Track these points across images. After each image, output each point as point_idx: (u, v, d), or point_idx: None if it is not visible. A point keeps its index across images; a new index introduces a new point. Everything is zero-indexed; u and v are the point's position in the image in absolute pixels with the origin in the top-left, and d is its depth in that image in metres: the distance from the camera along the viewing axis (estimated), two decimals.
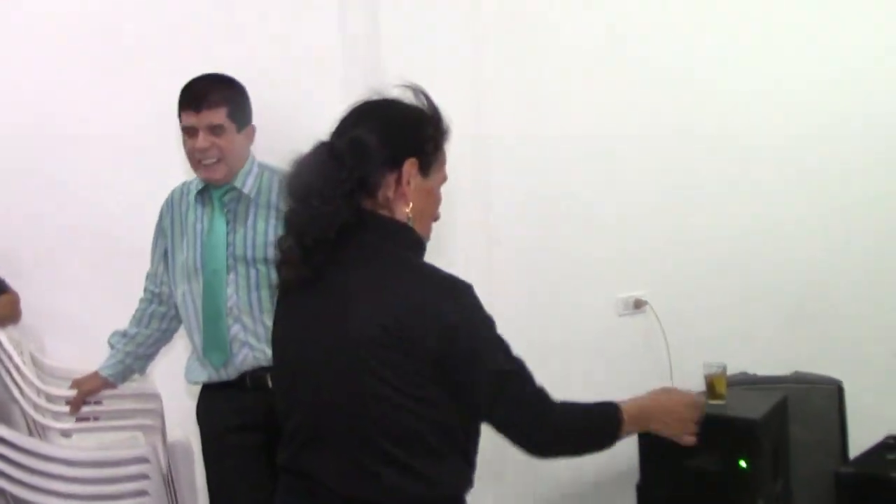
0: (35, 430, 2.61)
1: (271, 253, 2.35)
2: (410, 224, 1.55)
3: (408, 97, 1.60)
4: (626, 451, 3.29)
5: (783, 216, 3.74)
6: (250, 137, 2.48)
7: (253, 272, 2.42)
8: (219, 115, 2.37)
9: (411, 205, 1.54)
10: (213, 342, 2.44)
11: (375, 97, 1.60)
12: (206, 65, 2.51)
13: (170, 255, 2.55)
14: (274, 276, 2.35)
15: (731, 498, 2.82)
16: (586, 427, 1.64)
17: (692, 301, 3.63)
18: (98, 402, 2.65)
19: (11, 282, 2.87)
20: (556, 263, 3.46)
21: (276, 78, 3.00)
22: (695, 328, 3.61)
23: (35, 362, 2.81)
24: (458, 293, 1.49)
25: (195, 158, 2.41)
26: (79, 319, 2.95)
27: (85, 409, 2.62)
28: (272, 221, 2.43)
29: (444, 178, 1.63)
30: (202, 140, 2.36)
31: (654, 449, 2.99)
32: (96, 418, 2.71)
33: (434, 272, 1.53)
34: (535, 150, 3.40)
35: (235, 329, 2.42)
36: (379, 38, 3.05)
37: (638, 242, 3.55)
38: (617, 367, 3.53)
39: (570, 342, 3.47)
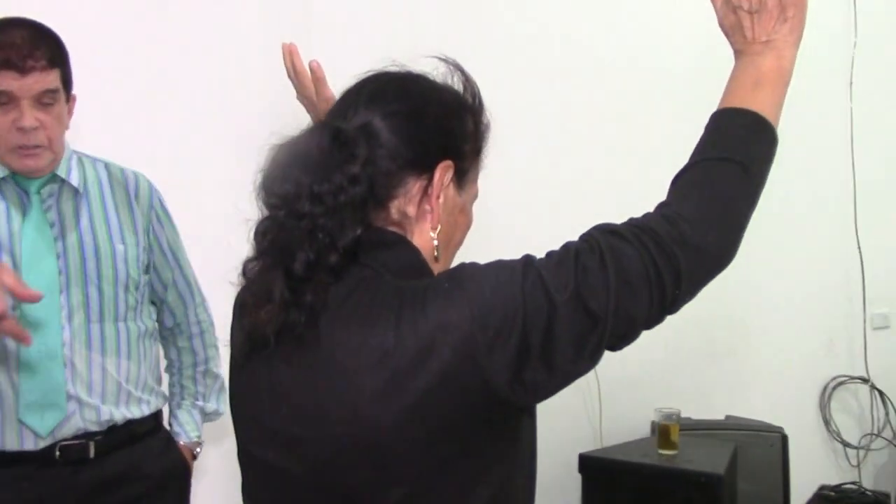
0: None
1: (124, 270, 1.81)
2: (437, 254, 1.05)
3: (438, 73, 1.11)
4: (569, 500, 3.00)
5: None
6: (72, 111, 1.82)
7: (95, 295, 1.80)
8: (51, 79, 1.70)
9: (439, 227, 1.06)
10: (39, 397, 1.75)
11: (393, 68, 1.10)
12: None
13: None
14: (124, 301, 1.82)
15: None
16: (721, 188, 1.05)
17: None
18: None
19: None
20: None
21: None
22: (625, 367, 3.36)
23: None
24: (455, 289, 0.96)
25: (10, 142, 1.70)
26: None
27: None
28: (115, 224, 1.86)
29: (476, 194, 1.14)
30: (28, 116, 1.68)
31: (602, 501, 2.70)
32: None
33: (427, 290, 0.98)
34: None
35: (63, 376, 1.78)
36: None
37: None
38: (545, 405, 3.21)
39: None
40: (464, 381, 0.92)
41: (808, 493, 3.33)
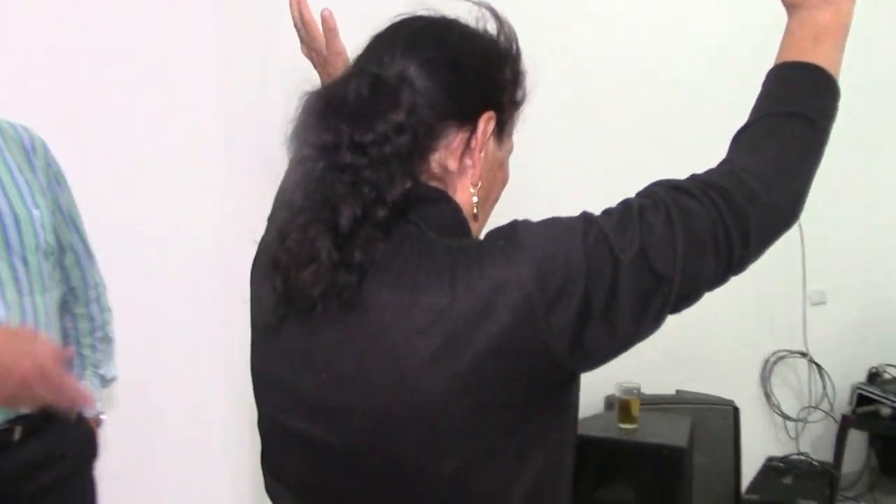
0: None
1: (42, 236, 1.65)
2: (476, 211, 0.99)
3: (471, 18, 1.04)
4: None
5: None
6: None
7: (21, 266, 1.63)
8: None
9: (480, 183, 0.99)
10: None
11: (424, 12, 1.03)
12: None
13: None
14: (46, 270, 1.66)
15: None
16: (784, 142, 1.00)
17: None
18: None
19: None
20: None
21: None
22: None
23: None
24: (512, 247, 0.89)
25: None
26: None
27: None
28: (24, 186, 1.67)
29: (512, 148, 1.07)
30: None
31: None
32: None
33: (482, 250, 0.91)
34: None
35: None
36: None
37: None
38: None
39: None
40: (522, 345, 0.86)
41: (756, 464, 3.38)
